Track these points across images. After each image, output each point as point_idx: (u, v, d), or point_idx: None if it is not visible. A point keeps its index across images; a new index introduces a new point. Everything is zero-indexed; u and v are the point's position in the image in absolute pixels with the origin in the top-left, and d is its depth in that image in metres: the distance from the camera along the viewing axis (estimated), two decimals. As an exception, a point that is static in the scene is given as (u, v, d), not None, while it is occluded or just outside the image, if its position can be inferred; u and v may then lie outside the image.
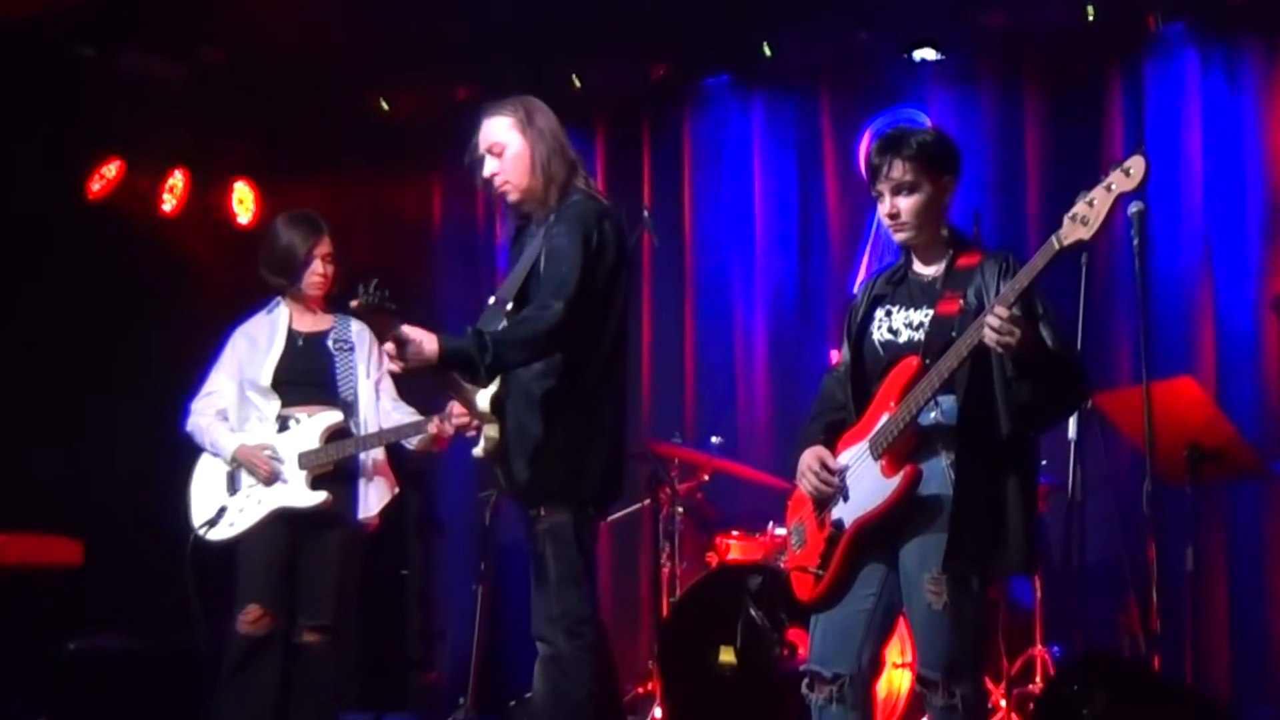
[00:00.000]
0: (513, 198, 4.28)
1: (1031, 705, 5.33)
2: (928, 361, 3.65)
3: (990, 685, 5.42)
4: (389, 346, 3.93)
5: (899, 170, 3.74)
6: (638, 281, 7.02)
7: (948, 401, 3.67)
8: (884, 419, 3.71)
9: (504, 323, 4.16)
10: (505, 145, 4.25)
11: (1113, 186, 3.38)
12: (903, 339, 3.78)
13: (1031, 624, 5.62)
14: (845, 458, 3.81)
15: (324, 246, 5.39)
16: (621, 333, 4.27)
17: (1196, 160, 6.26)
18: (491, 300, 4.30)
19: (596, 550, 4.37)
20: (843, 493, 3.79)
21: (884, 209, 3.79)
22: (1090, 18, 6.42)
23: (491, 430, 4.22)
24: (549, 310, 4.03)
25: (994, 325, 3.43)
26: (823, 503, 3.84)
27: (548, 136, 4.26)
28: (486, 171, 4.29)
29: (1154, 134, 6.32)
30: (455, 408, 4.78)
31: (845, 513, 3.78)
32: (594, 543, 4.28)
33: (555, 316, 4.02)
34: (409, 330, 3.94)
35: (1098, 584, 5.99)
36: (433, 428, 5.23)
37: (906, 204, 3.76)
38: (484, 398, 4.23)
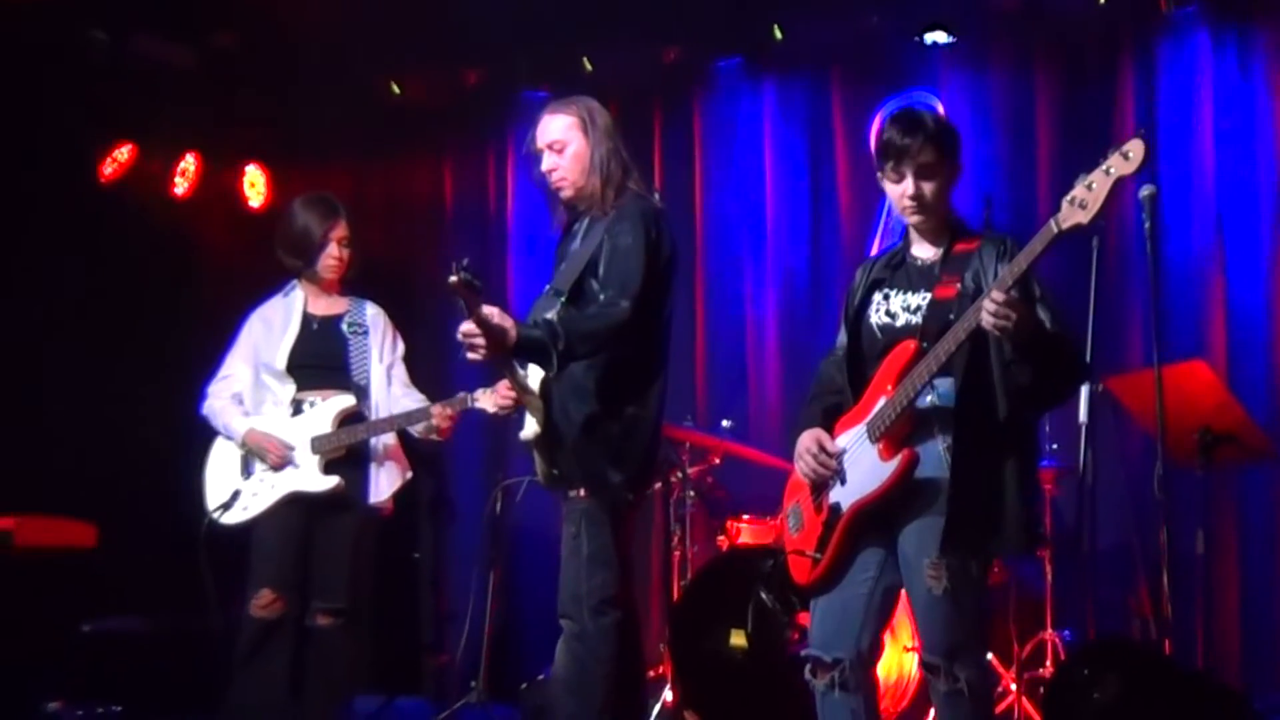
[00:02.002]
0: (568, 194, 4.43)
1: (1042, 689, 5.34)
2: (925, 345, 3.65)
3: (1001, 669, 5.43)
4: (469, 327, 4.01)
5: (928, 153, 3.72)
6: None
7: (944, 385, 3.66)
8: (881, 402, 3.71)
9: (554, 311, 4.26)
10: (566, 143, 4.39)
11: (1111, 170, 3.35)
12: (900, 322, 3.78)
13: (1042, 608, 5.62)
14: (843, 441, 3.81)
15: (340, 230, 5.41)
16: (669, 326, 4.43)
17: (1208, 144, 6.23)
18: (547, 288, 4.41)
19: (633, 533, 4.48)
20: (840, 476, 3.79)
21: (905, 190, 3.74)
22: (1102, 0, 6.40)
23: (536, 413, 4.32)
24: (616, 307, 4.20)
25: (990, 309, 3.43)
26: (820, 486, 3.84)
27: (607, 138, 4.40)
28: (545, 166, 4.43)
29: (1166, 117, 6.30)
30: (502, 386, 4.84)
31: (843, 496, 3.78)
32: (628, 526, 4.40)
33: (623, 314, 4.20)
34: (492, 313, 4.05)
35: (1109, 568, 5.99)
36: (434, 415, 5.24)
37: (930, 187, 3.74)
38: (535, 380, 4.35)
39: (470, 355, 4.11)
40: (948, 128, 3.82)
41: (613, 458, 4.27)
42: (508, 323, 4.07)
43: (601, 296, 4.26)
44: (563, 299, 4.32)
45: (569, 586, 4.30)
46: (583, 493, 4.28)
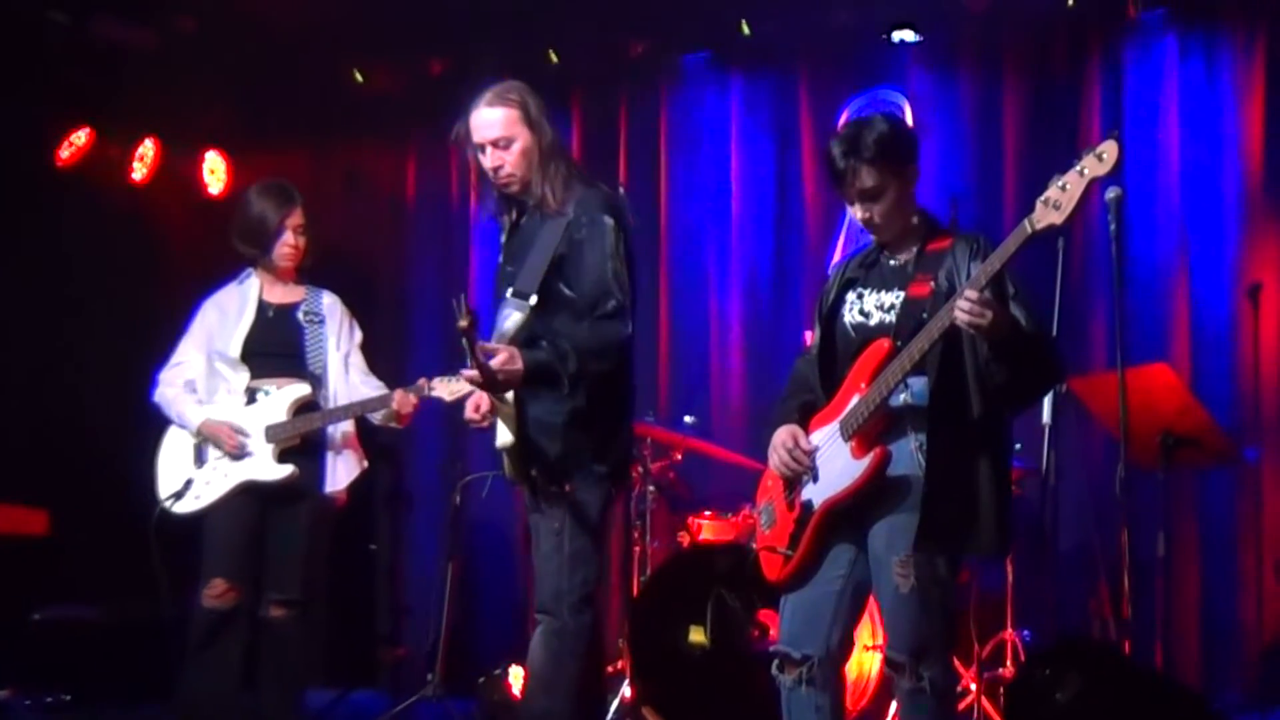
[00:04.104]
0: (514, 189, 4.30)
1: (1002, 689, 5.33)
2: (899, 344, 3.64)
3: (961, 669, 5.41)
4: (475, 375, 4.01)
5: (865, 177, 3.68)
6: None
7: (918, 384, 3.65)
8: (854, 400, 3.70)
9: (515, 315, 4.17)
10: (513, 139, 4.24)
11: (1085, 171, 3.36)
12: (874, 321, 3.76)
13: (1003, 608, 5.62)
14: (816, 438, 3.80)
15: (296, 217, 5.34)
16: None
17: (1174, 147, 6.26)
18: (509, 292, 4.25)
19: (613, 528, 4.42)
20: (813, 473, 3.77)
21: (857, 215, 3.76)
22: (1070, 2, 6.41)
23: (509, 420, 4.21)
24: (621, 323, 4.15)
25: (964, 307, 3.42)
26: (792, 483, 3.83)
27: (549, 126, 4.28)
28: (490, 164, 4.27)
29: (1132, 119, 6.32)
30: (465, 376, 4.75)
31: (815, 493, 3.76)
32: (612, 521, 4.36)
33: (626, 327, 4.15)
34: (500, 357, 4.04)
35: (1070, 569, 6.01)
36: (395, 402, 5.19)
37: (879, 209, 3.73)
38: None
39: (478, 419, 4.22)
40: (890, 139, 3.71)
41: (596, 451, 4.18)
42: (516, 364, 4.03)
43: (597, 308, 4.14)
44: (533, 304, 4.19)
45: (550, 582, 4.18)
46: (568, 487, 4.18)
